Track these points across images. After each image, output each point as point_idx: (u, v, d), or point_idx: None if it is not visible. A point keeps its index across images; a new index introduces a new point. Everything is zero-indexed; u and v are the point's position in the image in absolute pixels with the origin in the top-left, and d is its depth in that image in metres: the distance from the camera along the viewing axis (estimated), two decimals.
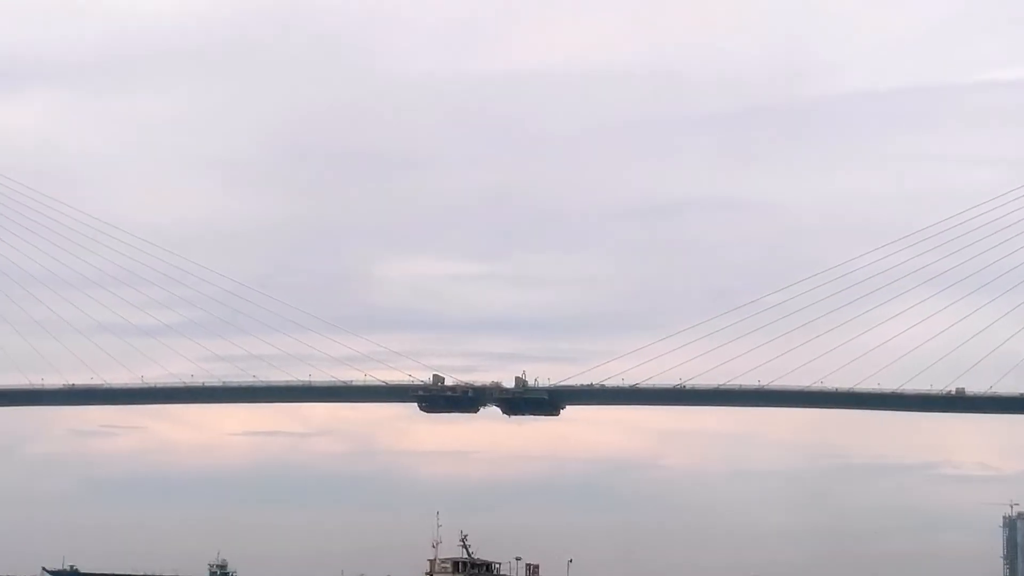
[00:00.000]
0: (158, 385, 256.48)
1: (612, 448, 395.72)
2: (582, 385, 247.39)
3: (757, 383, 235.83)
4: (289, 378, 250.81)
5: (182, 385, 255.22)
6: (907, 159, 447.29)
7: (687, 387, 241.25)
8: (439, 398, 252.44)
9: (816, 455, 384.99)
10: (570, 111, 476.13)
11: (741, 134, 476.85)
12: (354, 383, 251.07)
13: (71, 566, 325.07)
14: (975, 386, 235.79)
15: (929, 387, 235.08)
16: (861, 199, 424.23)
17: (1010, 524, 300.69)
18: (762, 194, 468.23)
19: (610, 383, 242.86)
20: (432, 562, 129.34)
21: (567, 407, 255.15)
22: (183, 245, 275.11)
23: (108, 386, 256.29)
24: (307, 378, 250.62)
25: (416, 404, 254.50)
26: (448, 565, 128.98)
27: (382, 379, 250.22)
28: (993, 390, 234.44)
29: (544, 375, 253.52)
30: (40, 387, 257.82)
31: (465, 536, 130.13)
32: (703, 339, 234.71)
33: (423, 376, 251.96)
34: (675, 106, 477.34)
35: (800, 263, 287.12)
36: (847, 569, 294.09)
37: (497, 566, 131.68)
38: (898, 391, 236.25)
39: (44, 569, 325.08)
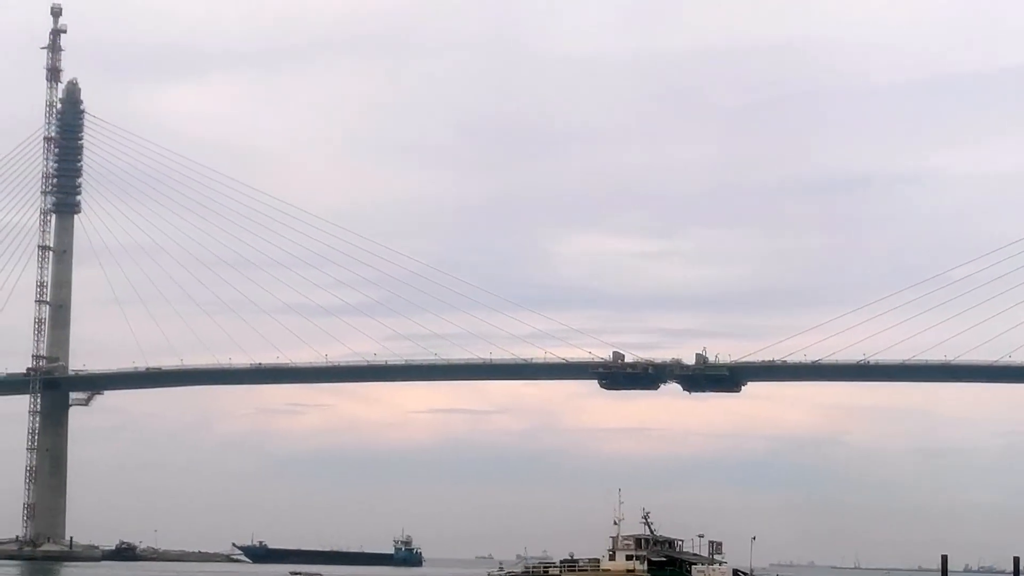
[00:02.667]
0: (342, 364, 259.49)
1: (794, 424, 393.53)
2: (763, 361, 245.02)
3: (943, 358, 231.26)
4: (470, 356, 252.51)
5: (365, 364, 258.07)
6: None
7: (871, 362, 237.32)
8: (619, 375, 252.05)
9: (1005, 431, 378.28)
10: (746, 85, 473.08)
11: (926, 105, 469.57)
12: (534, 361, 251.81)
13: (260, 542, 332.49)
14: None
15: None
16: None
17: None
18: (946, 167, 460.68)
19: (792, 359, 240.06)
20: (614, 539, 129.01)
21: (748, 383, 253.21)
22: (366, 225, 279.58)
23: (293, 365, 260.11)
24: (488, 356, 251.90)
25: (596, 381, 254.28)
26: (631, 542, 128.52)
27: (562, 356, 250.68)
28: None
29: (725, 351, 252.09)
30: (228, 366, 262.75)
31: (647, 513, 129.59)
32: (887, 314, 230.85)
33: (603, 353, 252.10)
34: (856, 78, 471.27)
35: (985, 236, 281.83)
36: None
37: (680, 543, 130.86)
38: None
39: (234, 545, 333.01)
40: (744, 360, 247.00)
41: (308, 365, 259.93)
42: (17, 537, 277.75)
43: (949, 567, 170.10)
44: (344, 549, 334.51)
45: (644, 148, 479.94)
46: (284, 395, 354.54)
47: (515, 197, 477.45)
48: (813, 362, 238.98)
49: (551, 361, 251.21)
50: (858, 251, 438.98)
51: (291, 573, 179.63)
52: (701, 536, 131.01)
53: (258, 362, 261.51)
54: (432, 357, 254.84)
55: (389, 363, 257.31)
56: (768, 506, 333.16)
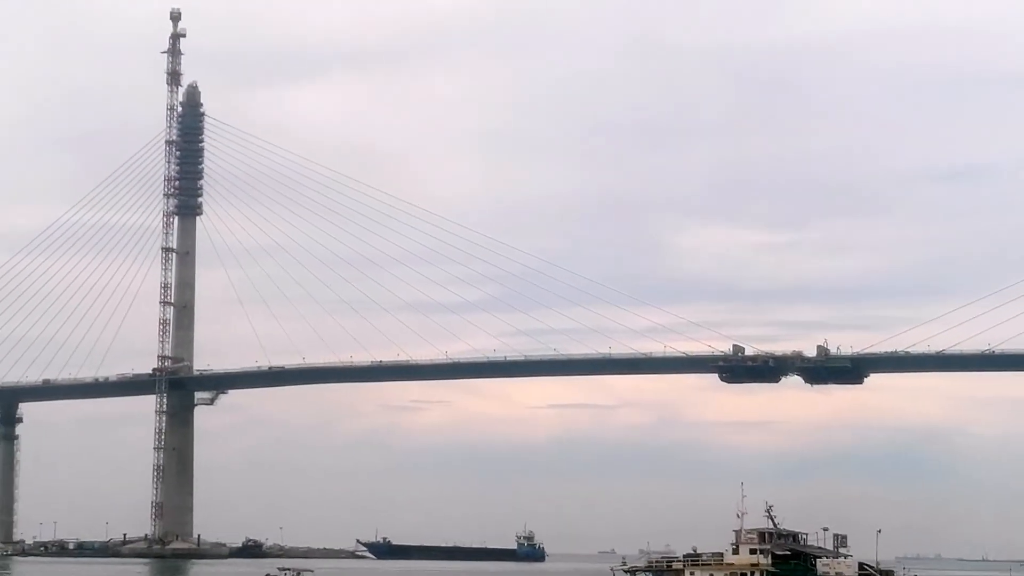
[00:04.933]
0: (462, 360, 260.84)
1: (919, 416, 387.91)
2: (886, 352, 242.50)
3: None
4: (590, 351, 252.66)
5: (485, 360, 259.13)
6: None
7: (996, 352, 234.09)
8: (740, 368, 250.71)
9: None
10: (873, 73, 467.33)
11: None
12: (654, 355, 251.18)
13: (384, 538, 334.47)
14: None
15: None
16: None
17: None
18: None
19: (915, 350, 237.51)
20: (738, 533, 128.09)
21: (871, 375, 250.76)
22: (484, 222, 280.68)
23: (414, 362, 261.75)
24: (607, 351, 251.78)
25: (717, 374, 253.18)
26: (754, 536, 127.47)
27: (682, 350, 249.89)
28: None
29: (847, 343, 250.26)
30: (349, 364, 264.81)
31: (770, 507, 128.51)
32: (1012, 302, 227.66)
33: (723, 346, 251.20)
34: (981, 65, 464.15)
35: None
36: None
37: (804, 537, 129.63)
38: None
39: (359, 541, 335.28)
40: (867, 351, 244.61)
41: (428, 362, 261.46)
42: (146, 535, 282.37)
43: None
44: (467, 545, 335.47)
45: (767, 140, 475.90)
46: (405, 392, 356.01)
47: (637, 190, 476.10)
48: (937, 352, 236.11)
49: (671, 355, 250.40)
50: (982, 240, 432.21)
51: (279, 569, 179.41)
52: (825, 529, 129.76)
53: (379, 360, 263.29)
54: (551, 352, 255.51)
55: (508, 359, 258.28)
56: (893, 498, 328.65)
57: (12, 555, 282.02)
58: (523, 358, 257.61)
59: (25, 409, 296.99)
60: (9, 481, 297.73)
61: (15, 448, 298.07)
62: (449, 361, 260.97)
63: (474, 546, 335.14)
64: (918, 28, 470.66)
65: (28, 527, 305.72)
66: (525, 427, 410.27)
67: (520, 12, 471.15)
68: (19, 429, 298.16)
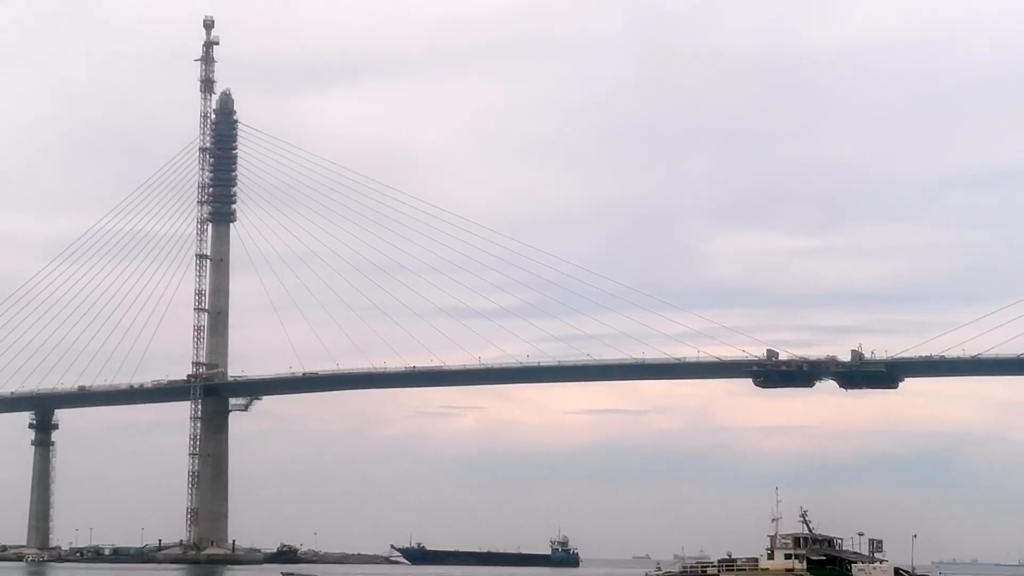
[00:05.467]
0: (495, 366, 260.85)
1: (954, 421, 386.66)
2: (921, 357, 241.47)
3: None
4: (623, 356, 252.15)
5: (519, 365, 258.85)
6: None
7: None
8: (774, 373, 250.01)
9: None
10: (906, 79, 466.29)
11: None
12: (687, 360, 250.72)
13: (418, 544, 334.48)
14: None
15: None
16: None
17: None
18: None
19: (950, 354, 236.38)
20: (772, 538, 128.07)
21: (906, 379, 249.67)
22: (518, 228, 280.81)
23: (447, 368, 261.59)
24: (640, 356, 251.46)
25: (751, 379, 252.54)
26: (789, 541, 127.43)
27: (716, 355, 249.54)
28: None
29: (881, 347, 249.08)
30: (383, 370, 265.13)
31: (805, 512, 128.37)
32: None
33: (757, 351, 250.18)
34: (1012, 69, 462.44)
35: None
36: None
37: (839, 541, 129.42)
38: None
39: (392, 547, 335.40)
40: (901, 356, 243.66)
41: (462, 367, 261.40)
42: (181, 541, 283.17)
43: None
44: (501, 550, 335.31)
45: (798, 145, 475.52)
46: (439, 398, 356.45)
47: (668, 196, 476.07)
48: (972, 356, 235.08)
49: (705, 360, 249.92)
50: (1016, 244, 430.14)
51: (283, 574, 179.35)
52: (861, 534, 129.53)
53: (412, 365, 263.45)
54: (585, 358, 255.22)
55: (542, 364, 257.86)
56: (929, 503, 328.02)
57: (49, 561, 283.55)
58: (556, 363, 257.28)
59: (61, 416, 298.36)
60: (45, 488, 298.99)
61: (51, 455, 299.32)
62: (482, 367, 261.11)
63: (508, 551, 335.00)
64: (949, 33, 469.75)
65: (64, 533, 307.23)
66: (559, 433, 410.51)
67: (553, 21, 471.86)
68: (55, 436, 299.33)
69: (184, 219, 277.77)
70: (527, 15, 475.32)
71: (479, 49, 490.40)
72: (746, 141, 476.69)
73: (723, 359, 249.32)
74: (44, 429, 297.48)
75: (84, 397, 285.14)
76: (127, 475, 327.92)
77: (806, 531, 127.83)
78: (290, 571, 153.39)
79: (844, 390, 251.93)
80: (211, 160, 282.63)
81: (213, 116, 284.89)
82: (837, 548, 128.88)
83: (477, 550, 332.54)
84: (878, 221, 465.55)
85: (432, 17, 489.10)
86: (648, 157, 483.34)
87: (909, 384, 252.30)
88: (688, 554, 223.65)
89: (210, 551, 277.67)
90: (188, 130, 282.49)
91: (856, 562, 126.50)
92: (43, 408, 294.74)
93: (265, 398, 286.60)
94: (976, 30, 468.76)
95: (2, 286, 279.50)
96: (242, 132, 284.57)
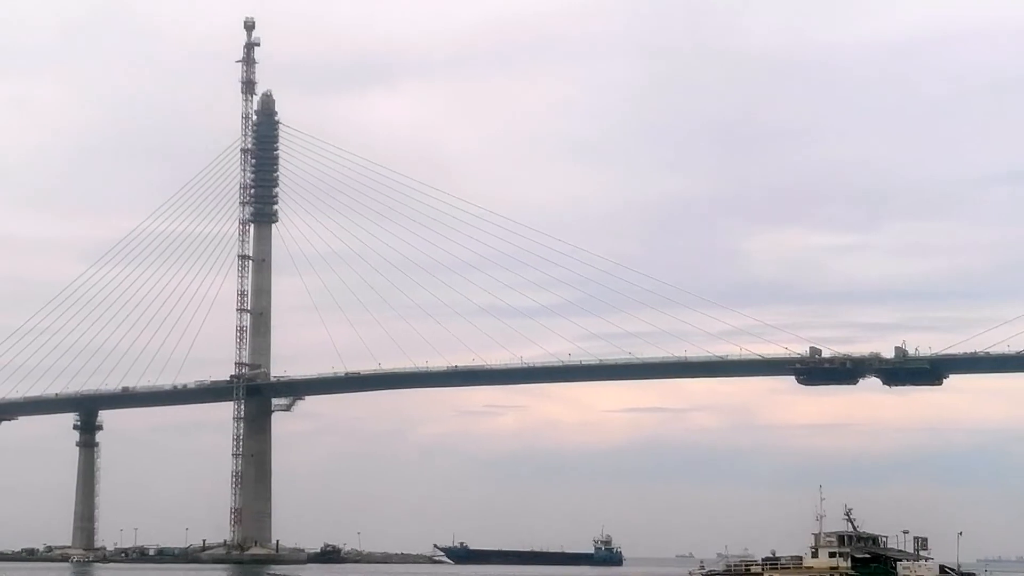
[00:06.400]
0: (537, 364, 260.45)
1: (999, 417, 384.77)
2: (965, 353, 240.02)
3: None
4: (665, 354, 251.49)
5: (560, 364, 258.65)
6: None
7: None
8: (817, 370, 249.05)
9: None
10: (939, 76, 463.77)
11: None
12: (730, 357, 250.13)
13: (461, 543, 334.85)
14: None
15: None
16: None
17: None
18: None
19: (995, 350, 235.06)
20: (816, 536, 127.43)
21: (950, 376, 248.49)
22: (558, 227, 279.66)
23: (489, 367, 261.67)
24: (683, 354, 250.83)
25: (794, 377, 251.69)
26: (833, 539, 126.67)
27: (758, 353, 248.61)
28: None
29: (925, 344, 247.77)
30: (424, 369, 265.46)
31: (849, 510, 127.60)
32: None
33: (800, 349, 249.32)
34: None
35: None
36: None
37: (884, 539, 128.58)
38: None
39: (436, 547, 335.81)
40: (945, 352, 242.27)
41: (503, 366, 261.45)
42: (225, 541, 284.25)
43: None
44: (544, 549, 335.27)
45: (837, 142, 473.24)
46: (481, 397, 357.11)
47: (709, 193, 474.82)
48: (1017, 352, 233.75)
49: (747, 357, 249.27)
50: None
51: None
52: (906, 532, 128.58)
53: (454, 364, 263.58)
54: (626, 356, 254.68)
55: (583, 363, 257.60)
56: (974, 501, 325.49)
57: (94, 562, 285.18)
58: (598, 362, 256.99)
59: (105, 417, 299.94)
60: (90, 488, 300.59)
61: (96, 456, 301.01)
62: (524, 366, 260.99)
63: (551, 550, 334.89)
64: (991, 28, 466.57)
65: (109, 534, 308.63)
66: (601, 431, 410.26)
67: (592, 18, 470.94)
68: (99, 437, 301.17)
69: (226, 220, 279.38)
70: (566, 14, 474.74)
71: (519, 48, 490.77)
72: (786, 139, 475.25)
73: (765, 356, 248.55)
74: (89, 430, 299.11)
75: (128, 398, 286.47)
76: (171, 475, 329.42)
77: (850, 529, 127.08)
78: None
79: (888, 387, 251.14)
80: (253, 161, 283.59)
81: (255, 117, 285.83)
82: (882, 546, 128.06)
83: (520, 549, 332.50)
84: (920, 217, 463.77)
85: (472, 17, 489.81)
86: (690, 156, 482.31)
87: (953, 381, 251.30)
88: (732, 552, 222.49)
89: (254, 551, 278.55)
90: (229, 131, 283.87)
91: (901, 560, 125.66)
92: (87, 409, 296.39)
93: (308, 398, 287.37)
94: (1018, 26, 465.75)
95: (47, 289, 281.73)
96: (283, 133, 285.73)
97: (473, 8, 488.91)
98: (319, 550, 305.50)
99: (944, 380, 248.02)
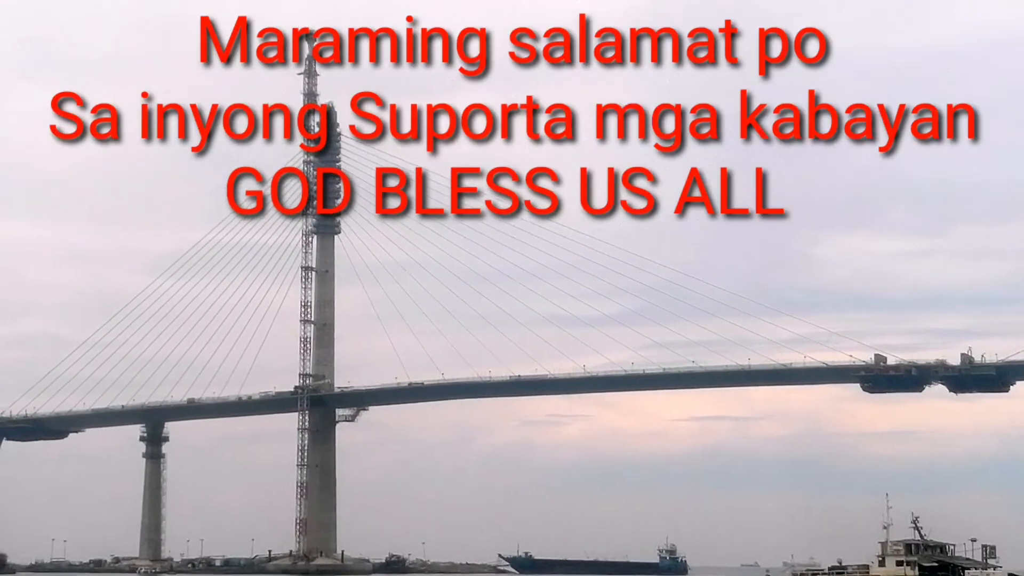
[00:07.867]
0: (600, 374, 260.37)
1: None
2: None
3: None
4: (728, 363, 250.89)
5: (623, 373, 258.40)
6: None
7: None
8: (882, 378, 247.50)
9: None
10: (1005, 78, 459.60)
11: None
12: (794, 365, 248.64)
13: (526, 553, 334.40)
14: None
15: None
16: None
17: None
18: None
19: None
20: (883, 545, 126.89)
21: (1017, 383, 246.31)
22: (620, 235, 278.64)
23: (552, 376, 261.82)
24: (746, 362, 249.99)
25: (858, 384, 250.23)
26: (900, 548, 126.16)
27: (823, 360, 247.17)
28: None
29: (991, 350, 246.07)
30: (487, 379, 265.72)
31: (916, 518, 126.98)
32: None
33: (865, 356, 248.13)
34: None
35: None
36: None
37: (951, 548, 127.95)
38: None
39: (500, 556, 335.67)
40: (1012, 359, 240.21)
41: (566, 376, 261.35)
42: (291, 552, 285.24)
43: None
44: (608, 558, 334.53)
45: (904, 146, 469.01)
46: (544, 407, 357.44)
47: (771, 200, 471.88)
48: None
49: (812, 365, 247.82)
50: None
51: None
52: (974, 540, 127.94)
53: (517, 374, 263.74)
54: (690, 364, 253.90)
55: (647, 372, 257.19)
56: None
57: (161, 573, 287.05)
58: (661, 371, 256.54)
59: (171, 428, 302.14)
60: (157, 499, 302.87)
61: (162, 467, 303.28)
62: (587, 375, 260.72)
63: (615, 560, 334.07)
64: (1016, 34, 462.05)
65: (176, 545, 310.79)
66: (664, 440, 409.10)
67: (651, 21, 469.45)
68: (165, 448, 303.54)
69: (289, 232, 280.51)
70: (626, 17, 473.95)
71: (577, 53, 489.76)
72: (851, 143, 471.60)
73: (830, 364, 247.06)
74: (155, 442, 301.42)
75: (193, 409, 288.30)
76: (236, 486, 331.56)
77: (918, 537, 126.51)
78: None
79: (954, 394, 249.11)
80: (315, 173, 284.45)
81: (316, 129, 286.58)
82: (949, 554, 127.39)
83: (584, 558, 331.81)
84: (985, 222, 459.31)
85: (526, 21, 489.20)
86: (750, 160, 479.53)
87: (1021, 387, 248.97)
88: (797, 561, 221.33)
89: (319, 561, 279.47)
90: (292, 144, 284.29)
91: (969, 568, 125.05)
92: (154, 421, 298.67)
93: (372, 408, 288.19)
94: None
95: (113, 301, 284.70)
96: (345, 144, 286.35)
97: (522, 13, 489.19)
98: (384, 560, 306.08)
99: (1011, 387, 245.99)
